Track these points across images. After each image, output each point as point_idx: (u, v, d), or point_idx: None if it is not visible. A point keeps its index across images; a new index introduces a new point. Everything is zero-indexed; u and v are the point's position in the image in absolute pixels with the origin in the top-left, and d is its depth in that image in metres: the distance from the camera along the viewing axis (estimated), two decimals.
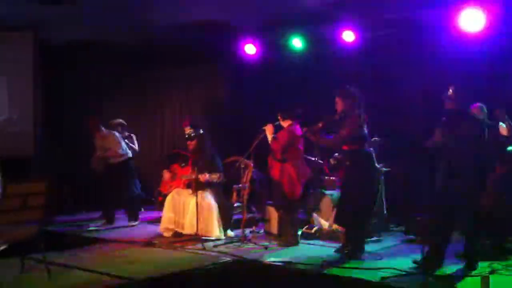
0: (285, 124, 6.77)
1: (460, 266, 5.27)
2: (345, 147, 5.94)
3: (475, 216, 5.25)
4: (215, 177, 7.00)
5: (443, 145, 5.25)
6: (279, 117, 6.81)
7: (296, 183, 6.57)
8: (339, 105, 6.00)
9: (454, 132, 5.19)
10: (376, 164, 6.26)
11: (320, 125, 6.01)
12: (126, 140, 8.91)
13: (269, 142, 6.73)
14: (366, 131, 5.92)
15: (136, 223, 8.47)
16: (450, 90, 5.27)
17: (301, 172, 6.63)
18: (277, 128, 6.79)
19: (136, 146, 9.27)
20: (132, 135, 9.35)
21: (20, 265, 5.30)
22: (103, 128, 8.55)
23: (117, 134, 8.59)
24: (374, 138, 6.75)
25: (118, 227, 8.26)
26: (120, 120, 9.11)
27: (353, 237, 5.95)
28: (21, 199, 4.92)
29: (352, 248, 5.88)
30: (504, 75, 7.03)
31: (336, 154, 5.98)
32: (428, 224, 5.50)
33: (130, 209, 8.62)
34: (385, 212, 7.20)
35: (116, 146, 8.45)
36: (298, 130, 6.66)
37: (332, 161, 6.00)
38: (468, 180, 5.12)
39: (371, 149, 6.06)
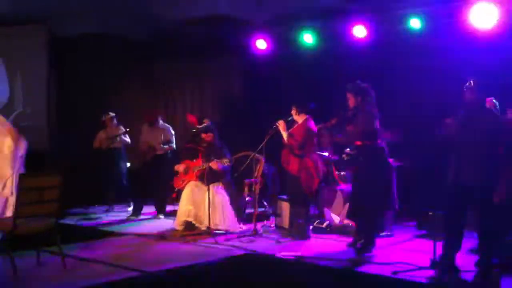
0: (299, 118, 6.79)
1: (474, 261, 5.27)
2: (357, 143, 5.97)
3: (488, 213, 5.18)
4: (226, 161, 7.04)
5: (456, 138, 5.18)
6: (293, 111, 6.83)
7: (314, 177, 6.62)
8: (351, 101, 6.02)
9: (471, 124, 5.05)
10: (388, 159, 6.29)
11: (333, 121, 6.03)
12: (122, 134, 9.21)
13: (284, 138, 6.75)
14: (378, 126, 5.94)
15: (163, 216, 8.51)
16: (471, 82, 5.20)
17: (319, 166, 6.69)
18: (290, 124, 6.82)
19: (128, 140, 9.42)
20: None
21: (36, 257, 5.38)
22: (160, 121, 8.74)
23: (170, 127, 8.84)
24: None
25: (137, 221, 8.37)
26: (113, 114, 9.30)
27: (364, 231, 5.99)
28: (38, 192, 5.00)
29: (363, 243, 5.92)
30: None
31: (348, 149, 6.02)
32: (441, 220, 5.46)
33: (161, 202, 8.67)
34: (397, 207, 7.21)
35: (172, 139, 8.68)
36: (313, 125, 6.69)
37: (344, 156, 6.03)
38: (480, 174, 5.01)
39: (383, 144, 6.08)
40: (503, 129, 5.12)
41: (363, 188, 5.90)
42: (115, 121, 9.32)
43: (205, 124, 7.68)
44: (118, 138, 9.18)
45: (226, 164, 7.09)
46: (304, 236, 6.69)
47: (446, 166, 5.19)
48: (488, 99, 6.42)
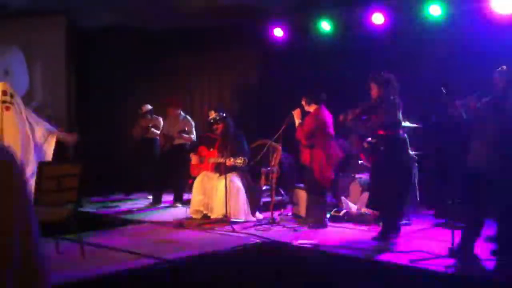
0: (310, 108, 6.79)
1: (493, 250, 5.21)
2: (380, 132, 5.92)
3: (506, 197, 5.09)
4: (240, 161, 7.03)
5: (480, 123, 5.09)
6: (303, 101, 6.82)
7: (326, 167, 6.59)
8: (374, 90, 5.97)
9: (499, 107, 4.94)
10: (409, 150, 6.24)
11: (358, 110, 5.99)
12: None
13: (296, 127, 6.74)
14: (400, 116, 5.90)
15: (180, 205, 8.56)
16: (504, 67, 5.09)
17: (332, 156, 6.65)
18: (305, 113, 6.80)
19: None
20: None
21: (55, 245, 5.45)
22: (181, 113, 8.87)
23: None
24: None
25: (154, 209, 8.44)
26: (149, 106, 9.34)
27: (385, 220, 5.96)
28: (56, 181, 5.04)
29: (383, 232, 5.89)
30: None
31: (369, 138, 5.99)
32: (461, 207, 5.40)
33: (179, 190, 8.73)
34: (417, 198, 7.15)
35: (192, 130, 8.76)
36: (326, 114, 6.66)
37: (365, 144, 6.00)
38: (499, 159, 4.87)
39: (405, 134, 6.03)
40: None
41: (384, 177, 5.85)
42: (148, 115, 9.39)
43: (211, 117, 7.72)
44: (150, 130, 9.27)
45: (240, 165, 7.08)
46: (321, 224, 6.68)
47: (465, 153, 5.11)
48: None
